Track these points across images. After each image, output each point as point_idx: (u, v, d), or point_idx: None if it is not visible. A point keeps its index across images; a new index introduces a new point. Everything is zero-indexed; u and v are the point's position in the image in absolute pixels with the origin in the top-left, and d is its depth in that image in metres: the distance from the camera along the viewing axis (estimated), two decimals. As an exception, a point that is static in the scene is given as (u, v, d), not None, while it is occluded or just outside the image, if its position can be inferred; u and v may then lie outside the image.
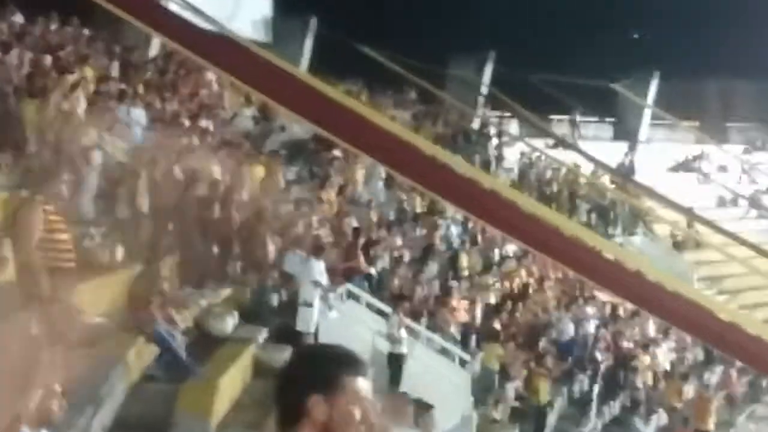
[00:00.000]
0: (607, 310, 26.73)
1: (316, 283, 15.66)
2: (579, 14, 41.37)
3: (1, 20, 21.65)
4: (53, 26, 23.60)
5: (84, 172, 14.70)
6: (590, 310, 25.63)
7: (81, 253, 11.62)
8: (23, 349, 2.99)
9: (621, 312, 27.00)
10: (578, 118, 42.19)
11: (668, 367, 26.20)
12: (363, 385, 2.87)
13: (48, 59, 18.71)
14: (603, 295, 25.37)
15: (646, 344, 25.99)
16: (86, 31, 25.28)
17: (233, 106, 25.73)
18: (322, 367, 2.90)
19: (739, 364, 22.95)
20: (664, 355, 26.43)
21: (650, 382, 24.87)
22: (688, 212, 23.64)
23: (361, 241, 20.23)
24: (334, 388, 2.84)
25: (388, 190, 25.73)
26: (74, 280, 9.68)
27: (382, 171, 23.15)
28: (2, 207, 11.74)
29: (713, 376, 27.24)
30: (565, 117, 41.80)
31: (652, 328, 26.98)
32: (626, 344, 25.06)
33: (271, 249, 16.51)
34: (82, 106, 16.78)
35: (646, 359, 25.04)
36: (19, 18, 22.62)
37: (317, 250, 16.13)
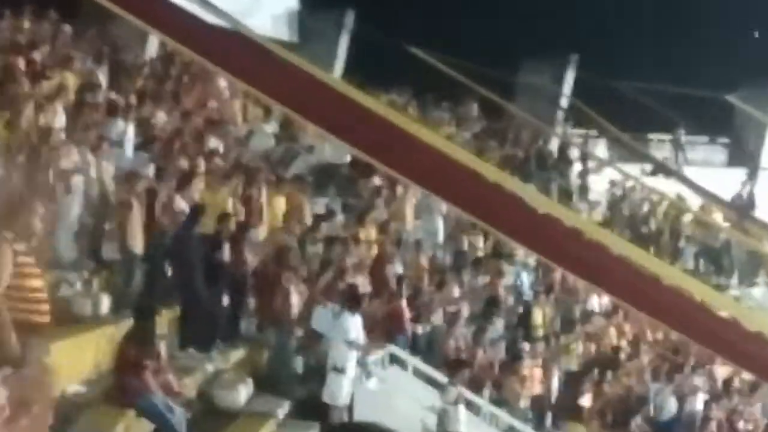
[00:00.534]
0: (720, 381, 26.51)
1: (351, 344, 15.65)
2: (683, 8, 41.29)
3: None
4: (25, 22, 23.78)
5: (63, 203, 14.81)
6: (698, 381, 25.42)
7: (58, 303, 11.70)
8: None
9: (737, 384, 26.77)
10: (683, 137, 42.04)
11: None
12: None
13: (20, 62, 18.87)
14: (715, 363, 25.18)
15: (770, 425, 25.78)
16: (67, 28, 25.52)
17: (249, 122, 25.87)
18: None
19: None
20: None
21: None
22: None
23: (408, 291, 20.24)
24: None
25: (444, 229, 25.76)
26: (49, 338, 9.73)
27: (440, 204, 23.13)
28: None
29: None
30: (667, 137, 41.68)
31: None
32: (744, 426, 24.82)
33: (295, 301, 16.52)
34: (60, 120, 16.93)
35: (769, 445, 24.83)
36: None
37: (352, 302, 16.14)
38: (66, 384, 11.66)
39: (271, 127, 25.71)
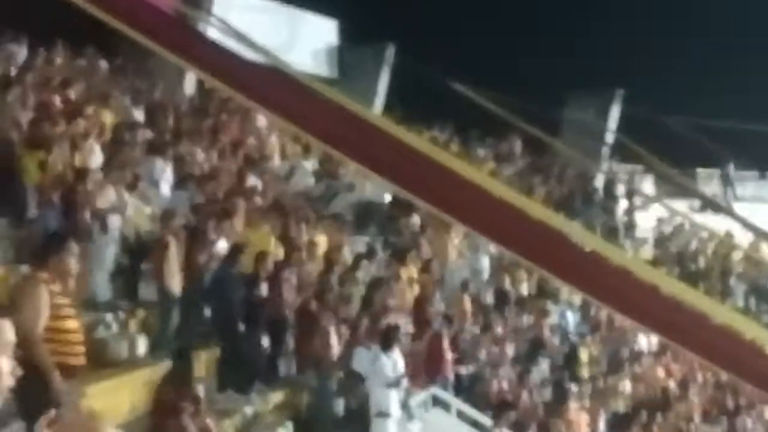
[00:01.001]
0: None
1: (392, 386, 15.61)
2: (730, 40, 41.21)
3: (3, 47, 22.10)
4: (59, 58, 23.91)
5: (99, 243, 14.87)
6: (751, 423, 25.24)
7: (94, 345, 11.75)
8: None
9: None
10: (733, 172, 41.90)
11: None
12: None
13: (56, 100, 18.98)
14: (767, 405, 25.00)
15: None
16: (104, 64, 25.69)
17: (289, 159, 25.94)
18: None
19: None
20: None
21: None
22: None
23: (451, 331, 20.21)
24: None
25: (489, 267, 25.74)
26: (84, 380, 9.76)
27: (486, 243, 23.09)
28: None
29: None
30: (716, 171, 41.53)
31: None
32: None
33: (335, 341, 16.51)
34: (97, 159, 17.02)
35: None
36: (21, 50, 23.03)
37: (394, 343, 16.11)
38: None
39: (311, 165, 25.78)
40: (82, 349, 9.12)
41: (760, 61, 41.62)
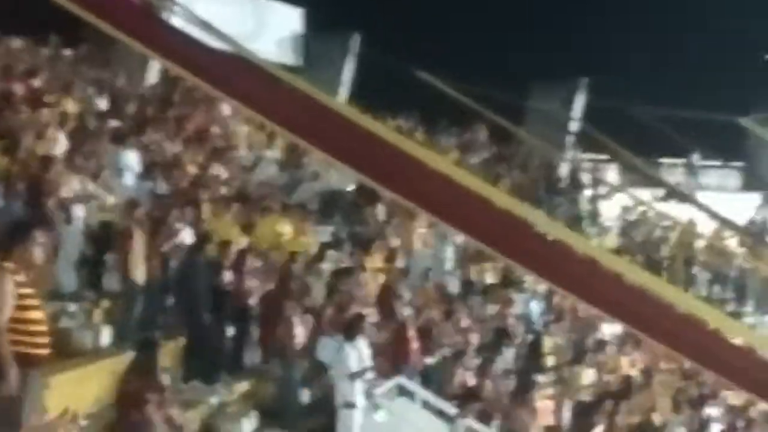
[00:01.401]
0: (736, 412, 26.46)
1: (356, 375, 15.62)
2: (695, 32, 41.41)
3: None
4: (17, 46, 23.82)
5: (63, 233, 14.83)
6: (713, 412, 25.37)
7: (58, 335, 11.71)
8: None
9: (755, 415, 26.72)
10: (697, 162, 42.11)
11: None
12: None
13: (19, 89, 18.91)
14: (730, 393, 25.13)
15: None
16: (68, 53, 25.60)
17: (254, 148, 25.91)
18: None
19: None
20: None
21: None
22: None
23: (416, 321, 20.24)
24: None
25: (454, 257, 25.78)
26: (49, 371, 9.74)
27: (453, 232, 23.13)
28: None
29: None
30: (680, 161, 41.72)
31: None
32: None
33: (300, 331, 16.51)
34: (61, 148, 16.96)
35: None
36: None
37: (359, 332, 16.13)
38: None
39: (275, 154, 25.75)
40: (46, 339, 9.10)
41: (721, 54, 41.85)
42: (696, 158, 42.07)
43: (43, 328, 9.09)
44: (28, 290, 8.85)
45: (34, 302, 8.99)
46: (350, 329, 16.04)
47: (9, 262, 8.88)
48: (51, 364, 9.72)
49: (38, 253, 9.18)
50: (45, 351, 9.11)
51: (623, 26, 41.48)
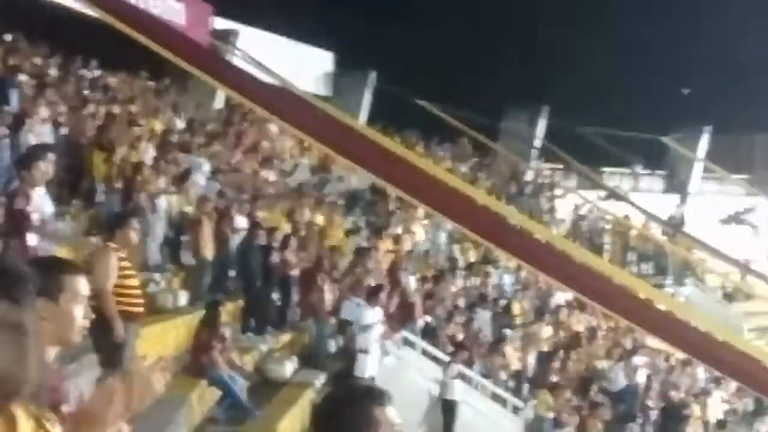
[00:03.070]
0: (659, 359, 26.41)
1: (372, 330, 15.61)
2: (631, 70, 41.45)
3: (80, 72, 22.03)
4: (116, 79, 23.87)
5: (151, 220, 14.87)
6: (641, 359, 25.32)
7: (147, 298, 11.75)
8: (99, 391, 3.04)
9: (672, 361, 26.68)
10: (638, 170, 42.19)
11: (721, 417, 25.76)
12: (393, 415, 2.93)
13: (120, 112, 18.97)
14: (654, 344, 25.08)
15: (698, 394, 25.60)
16: (155, 85, 25.64)
17: (294, 157, 25.92)
18: (353, 404, 2.95)
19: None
20: (716, 405, 26.00)
21: (702, 430, 24.47)
22: (739, 263, 23.42)
23: (418, 288, 20.25)
24: (369, 422, 2.89)
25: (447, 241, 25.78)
26: (141, 324, 9.77)
27: (445, 222, 23.13)
28: (73, 252, 11.90)
29: (764, 426, 26.74)
30: (618, 169, 41.66)
31: (703, 377, 26.60)
32: (677, 394, 24.68)
33: (329, 296, 16.53)
34: (149, 156, 17.00)
35: (697, 409, 24.64)
36: (91, 73, 22.97)
37: (373, 297, 16.12)
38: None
39: (309, 161, 25.76)
40: (140, 300, 9.15)
41: (650, 87, 41.85)
42: (637, 167, 42.17)
43: (138, 292, 9.14)
44: (126, 263, 8.90)
45: (131, 272, 9.04)
46: (372, 295, 16.03)
47: (112, 243, 8.92)
48: (143, 319, 9.76)
49: (133, 236, 9.21)
50: (140, 309, 9.15)
51: (576, 65, 41.46)
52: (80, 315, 3.40)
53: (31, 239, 8.84)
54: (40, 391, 2.60)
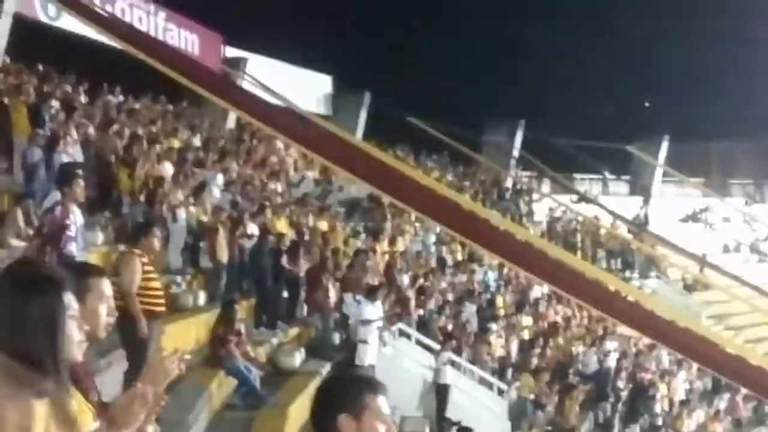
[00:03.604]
0: (628, 344, 26.44)
1: (371, 323, 15.59)
2: (598, 88, 41.63)
3: (103, 98, 22.02)
4: (138, 104, 23.86)
5: (172, 228, 14.85)
6: (612, 345, 25.37)
7: (169, 298, 11.73)
8: (131, 396, 3.08)
9: (640, 346, 26.71)
10: (606, 176, 42.35)
11: (682, 395, 25.81)
12: (383, 402, 2.91)
13: (142, 132, 18.95)
14: (624, 331, 25.12)
15: (663, 374, 25.65)
16: (171, 107, 25.62)
17: (299, 170, 25.91)
18: (347, 390, 2.94)
19: (744, 391, 22.57)
20: (679, 384, 26.05)
21: (667, 407, 24.50)
22: (697, 258, 23.45)
23: (411, 285, 20.25)
24: (359, 407, 2.87)
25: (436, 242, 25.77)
26: (164, 322, 9.76)
27: (434, 225, 23.12)
28: (102, 258, 11.89)
29: (722, 402, 26.80)
30: (587, 176, 41.77)
31: (667, 360, 26.65)
32: (645, 375, 24.71)
33: (333, 293, 16.51)
34: (169, 171, 16.98)
35: (663, 388, 24.69)
36: (116, 98, 22.97)
37: (372, 294, 16.10)
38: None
39: (313, 174, 25.75)
40: (162, 300, 9.13)
41: (616, 100, 42.02)
42: (606, 173, 42.39)
43: (160, 293, 9.12)
44: (150, 267, 8.88)
45: (154, 276, 9.02)
46: (371, 292, 16.00)
47: (137, 249, 8.91)
48: (165, 317, 9.74)
49: (156, 243, 9.19)
50: (162, 308, 9.14)
51: (553, 81, 41.63)
52: (104, 313, 3.49)
53: (70, 247, 8.85)
54: (70, 375, 2.71)
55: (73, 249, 8.89)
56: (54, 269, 2.82)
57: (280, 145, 25.42)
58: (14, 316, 2.60)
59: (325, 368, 15.20)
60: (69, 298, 2.69)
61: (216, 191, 18.34)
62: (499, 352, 21.17)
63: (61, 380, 2.62)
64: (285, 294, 16.56)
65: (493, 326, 21.63)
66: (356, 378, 3.14)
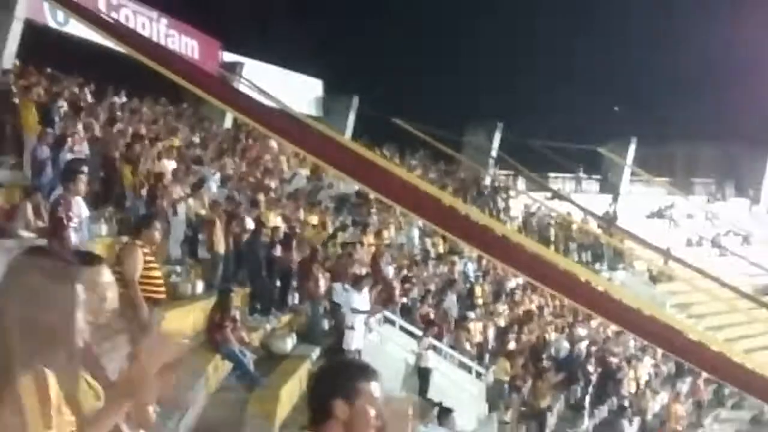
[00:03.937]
0: (597, 330, 26.52)
1: (357, 311, 15.59)
2: (573, 92, 41.79)
3: (109, 99, 21.96)
4: (141, 104, 23.81)
5: (172, 221, 14.81)
6: (582, 331, 25.44)
7: (169, 287, 11.70)
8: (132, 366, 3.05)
9: (608, 333, 26.78)
10: (581, 175, 42.49)
11: (648, 378, 25.91)
12: (376, 388, 2.90)
13: (145, 131, 18.91)
14: (593, 319, 25.18)
15: (630, 359, 25.74)
16: (172, 108, 25.56)
17: (291, 168, 25.88)
18: (342, 376, 2.94)
19: (705, 375, 22.68)
20: (645, 368, 26.15)
21: (633, 389, 24.59)
22: (662, 251, 23.54)
23: (396, 275, 20.25)
24: (353, 392, 2.87)
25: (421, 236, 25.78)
26: (164, 309, 9.73)
27: (417, 220, 23.14)
28: (106, 249, 11.85)
29: (684, 385, 26.92)
30: (561, 175, 41.85)
31: (633, 345, 26.73)
32: (613, 359, 24.78)
33: (322, 283, 16.50)
34: (170, 167, 16.93)
35: (629, 372, 24.79)
36: (120, 99, 22.90)
37: (359, 283, 16.09)
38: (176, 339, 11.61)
39: (305, 171, 25.71)
40: (163, 288, 9.10)
41: (590, 104, 42.15)
42: (581, 173, 42.51)
43: (161, 281, 9.08)
44: (151, 258, 8.84)
45: (155, 265, 8.97)
46: (358, 282, 16.00)
47: (139, 241, 8.88)
48: (166, 304, 9.72)
49: (157, 235, 9.14)
50: (163, 296, 9.11)
51: (526, 88, 41.69)
52: (105, 300, 3.48)
53: (70, 237, 8.84)
54: (81, 353, 2.70)
55: (74, 239, 8.88)
56: (64, 253, 2.78)
57: (273, 144, 25.37)
58: (30, 300, 2.53)
59: (315, 352, 15.19)
60: (81, 287, 2.66)
61: (213, 187, 18.30)
62: (478, 338, 21.18)
63: (74, 355, 2.61)
64: (278, 283, 16.53)
65: (472, 314, 21.66)
66: (351, 365, 3.15)
